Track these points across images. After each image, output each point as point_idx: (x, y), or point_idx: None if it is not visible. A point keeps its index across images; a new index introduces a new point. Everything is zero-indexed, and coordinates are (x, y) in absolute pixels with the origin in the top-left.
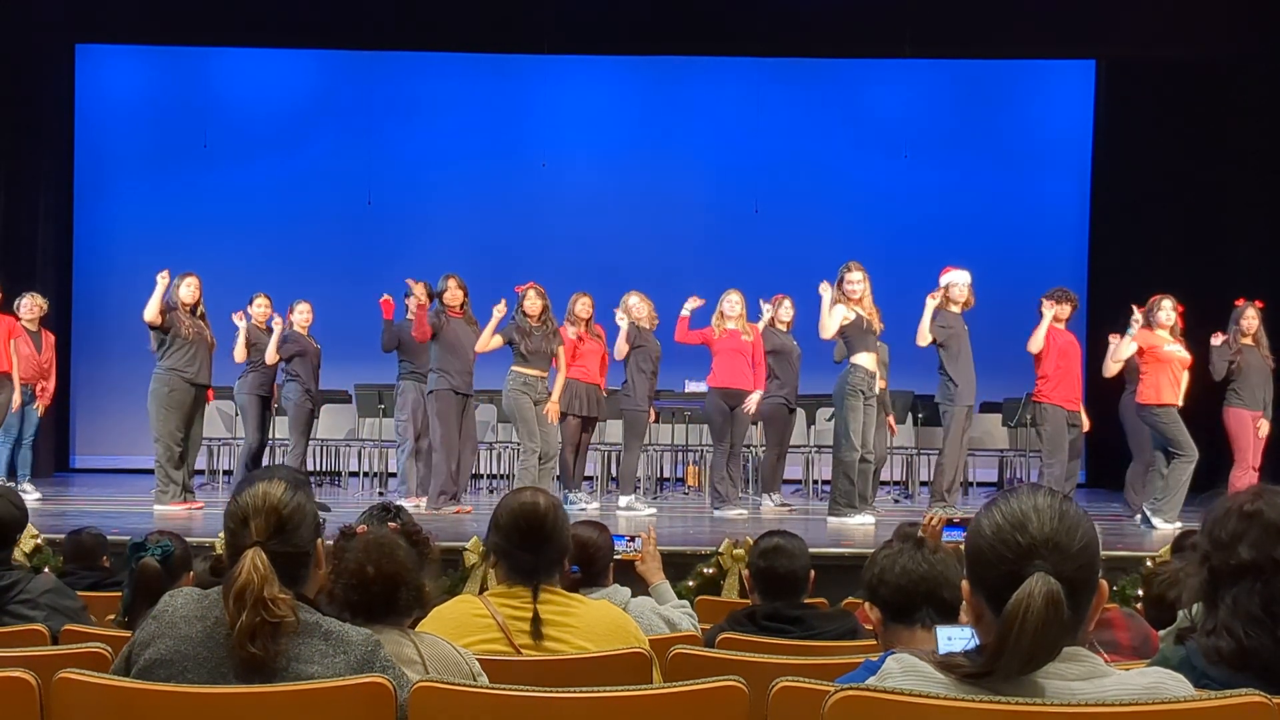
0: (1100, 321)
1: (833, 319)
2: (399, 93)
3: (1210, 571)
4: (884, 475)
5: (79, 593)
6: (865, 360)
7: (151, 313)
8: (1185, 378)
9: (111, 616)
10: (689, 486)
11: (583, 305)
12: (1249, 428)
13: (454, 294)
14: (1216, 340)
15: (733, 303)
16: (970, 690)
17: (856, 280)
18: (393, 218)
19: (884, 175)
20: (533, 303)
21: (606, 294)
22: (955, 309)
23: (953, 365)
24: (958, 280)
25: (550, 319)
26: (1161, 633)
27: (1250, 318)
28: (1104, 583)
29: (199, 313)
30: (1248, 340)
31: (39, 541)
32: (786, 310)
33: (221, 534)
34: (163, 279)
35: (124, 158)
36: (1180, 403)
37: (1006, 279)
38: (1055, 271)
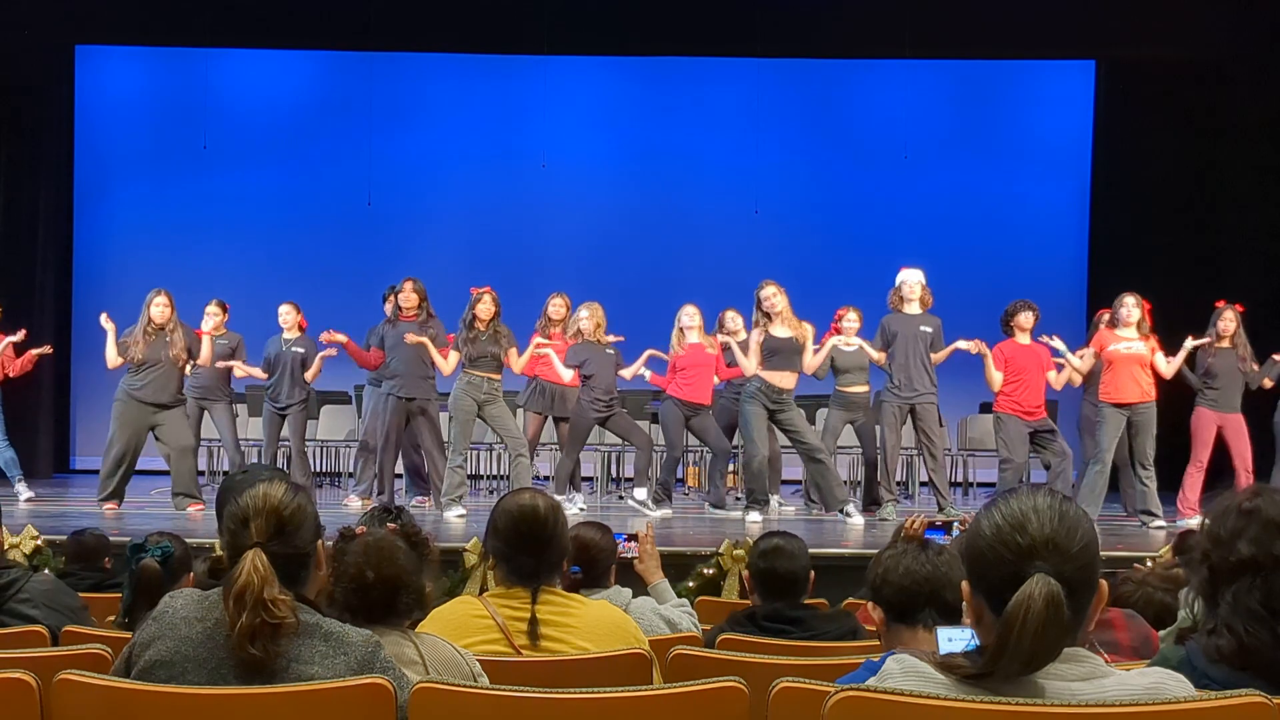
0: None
1: (750, 357)
2: (399, 94)
3: (1210, 570)
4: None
5: (79, 594)
6: (771, 376)
7: (111, 361)
8: (1148, 373)
9: (112, 618)
10: (689, 487)
11: (555, 307)
12: (1209, 430)
13: (407, 297)
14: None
15: (690, 314)
16: (971, 691)
17: (770, 295)
18: (393, 219)
19: (884, 176)
20: (486, 308)
21: (606, 294)
22: (907, 309)
23: (892, 364)
24: (907, 279)
25: (499, 324)
26: (1162, 633)
27: (1228, 320)
28: (1104, 583)
29: (168, 330)
30: (1224, 343)
31: (39, 542)
32: (734, 321)
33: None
34: (108, 325)
35: (124, 158)
36: (1141, 399)
37: (1006, 279)
38: (1055, 272)
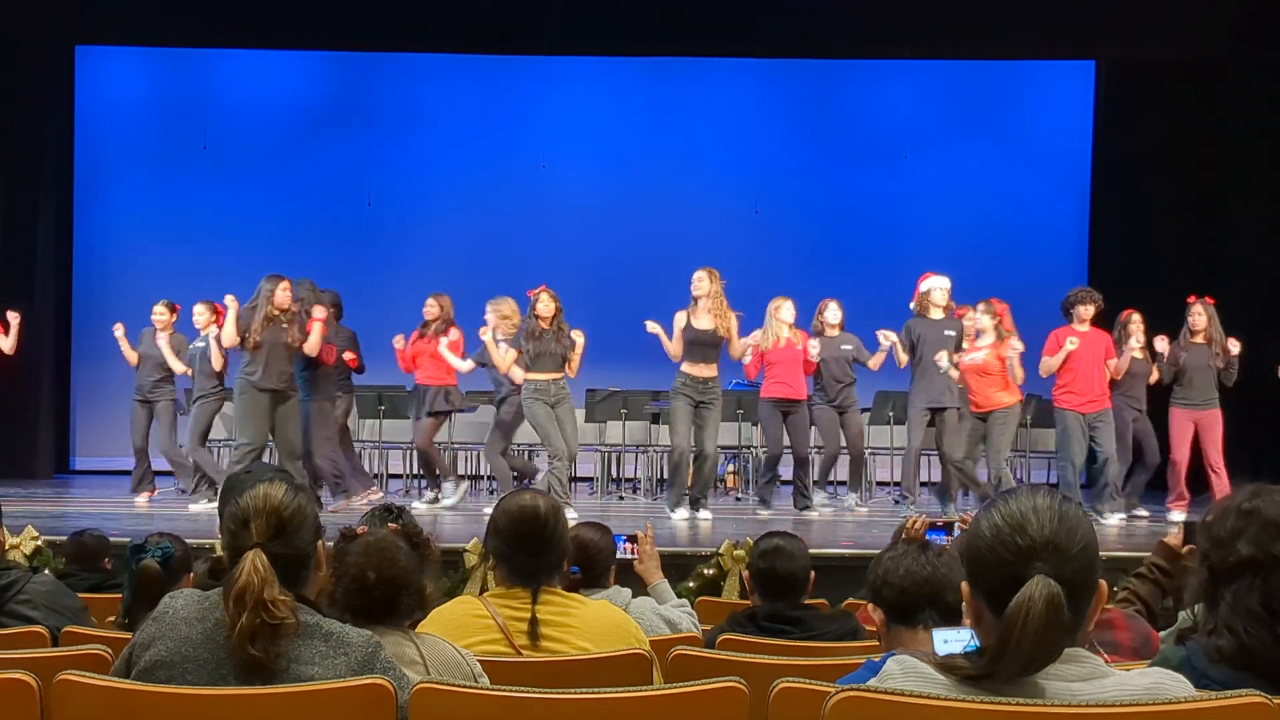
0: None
1: (675, 343)
2: (399, 94)
3: (1210, 570)
4: (884, 476)
5: (79, 594)
6: (689, 368)
7: (229, 338)
8: (995, 378)
9: (112, 618)
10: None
11: (426, 307)
12: (1183, 428)
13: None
14: (1161, 344)
15: (787, 309)
16: (971, 691)
17: (696, 280)
18: (392, 219)
19: (884, 176)
20: (546, 305)
21: (605, 293)
22: (933, 314)
23: (916, 369)
24: (937, 285)
25: (563, 322)
26: (1162, 633)
27: (1197, 314)
28: (1103, 583)
29: (286, 316)
30: (1197, 339)
31: (39, 543)
32: (834, 313)
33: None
34: (232, 303)
35: (124, 159)
36: (997, 405)
37: (1007, 279)
38: (1055, 271)
